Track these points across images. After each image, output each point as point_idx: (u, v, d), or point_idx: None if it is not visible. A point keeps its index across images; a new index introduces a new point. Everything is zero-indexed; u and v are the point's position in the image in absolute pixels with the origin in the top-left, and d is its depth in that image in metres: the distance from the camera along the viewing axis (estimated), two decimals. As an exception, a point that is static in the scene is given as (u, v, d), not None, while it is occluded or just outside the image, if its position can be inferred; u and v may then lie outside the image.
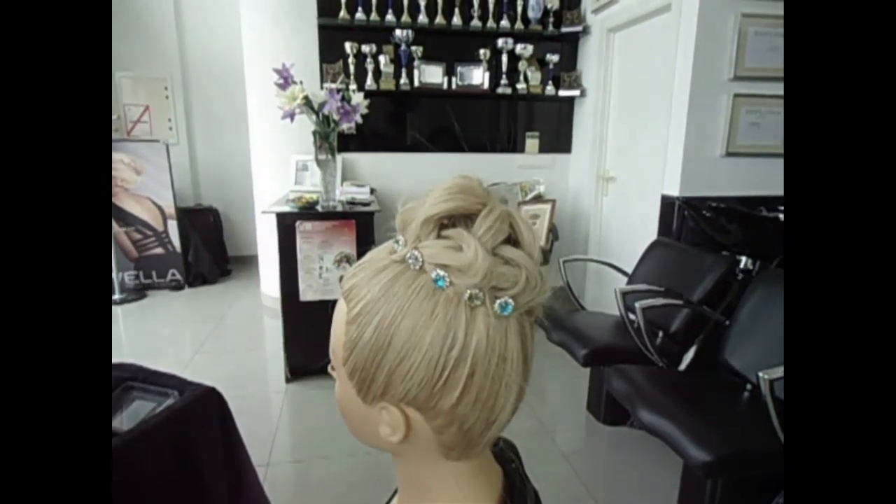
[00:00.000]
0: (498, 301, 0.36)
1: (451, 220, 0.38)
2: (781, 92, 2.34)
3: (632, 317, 1.94)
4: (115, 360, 1.31)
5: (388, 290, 0.37)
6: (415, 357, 0.36)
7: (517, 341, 0.38)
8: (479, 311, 0.36)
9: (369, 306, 0.38)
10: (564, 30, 3.40)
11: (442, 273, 0.36)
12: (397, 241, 0.39)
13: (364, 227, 2.49)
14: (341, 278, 0.42)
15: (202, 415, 1.10)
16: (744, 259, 2.14)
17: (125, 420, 1.04)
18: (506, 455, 0.49)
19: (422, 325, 0.36)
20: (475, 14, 3.30)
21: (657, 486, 1.87)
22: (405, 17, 3.23)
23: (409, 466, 0.44)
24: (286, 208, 2.47)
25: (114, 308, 3.68)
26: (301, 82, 2.28)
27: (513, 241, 0.38)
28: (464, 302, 0.36)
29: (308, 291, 2.48)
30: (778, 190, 2.42)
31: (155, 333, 3.30)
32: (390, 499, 0.56)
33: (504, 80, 3.39)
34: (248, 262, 4.59)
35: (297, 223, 2.43)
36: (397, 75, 3.29)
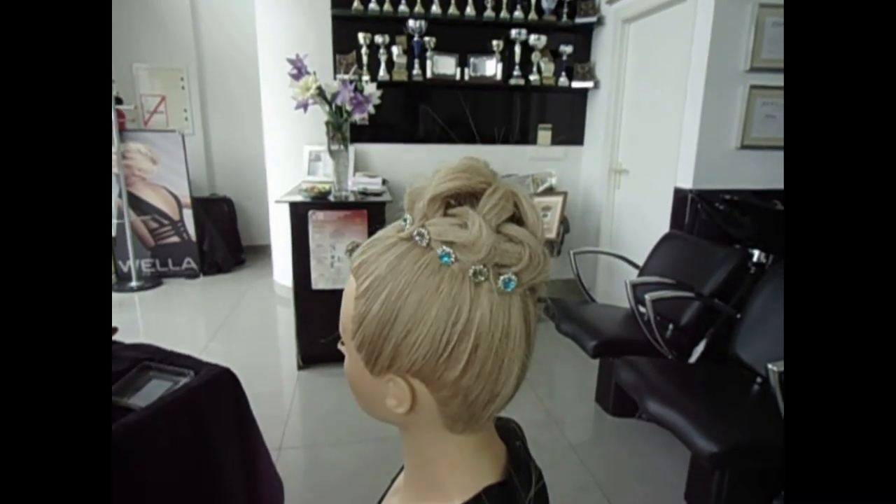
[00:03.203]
0: (501, 277, 0.38)
1: (457, 199, 0.39)
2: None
3: (642, 309, 1.94)
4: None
5: (395, 266, 0.39)
6: (420, 330, 0.37)
7: (520, 318, 0.39)
8: (483, 287, 0.37)
9: (377, 282, 0.39)
10: (579, 20, 3.37)
11: (447, 249, 0.37)
12: (405, 220, 0.41)
13: (376, 217, 2.51)
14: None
15: (217, 394, 1.13)
16: (756, 252, 2.12)
17: (141, 398, 1.07)
18: (510, 432, 0.51)
19: (427, 299, 0.37)
20: (488, 4, 3.29)
21: (665, 476, 1.87)
22: (418, 8, 3.22)
23: (414, 439, 0.46)
24: (299, 198, 2.50)
25: (131, 295, 3.75)
26: (314, 73, 2.30)
27: (517, 219, 0.39)
28: (468, 278, 0.37)
29: (320, 280, 2.51)
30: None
31: (170, 320, 3.37)
32: (396, 475, 0.57)
33: (517, 72, 3.37)
34: (261, 252, 4.65)
35: (310, 213, 2.45)
36: (410, 66, 3.29)
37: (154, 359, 1.19)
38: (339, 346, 0.46)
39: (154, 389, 1.10)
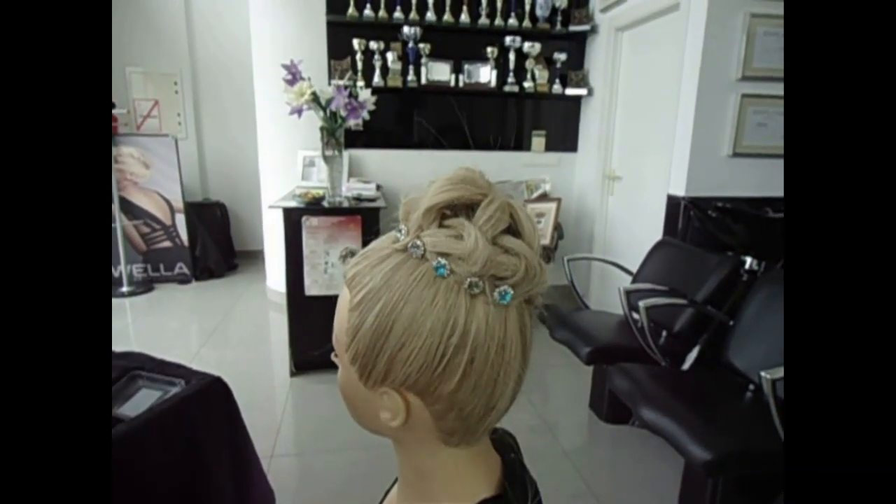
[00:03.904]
0: (497, 290, 0.37)
1: (453, 210, 0.39)
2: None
3: (635, 316, 1.95)
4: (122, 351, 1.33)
5: (389, 277, 0.38)
6: (415, 343, 0.37)
7: (516, 330, 0.39)
8: (478, 300, 0.37)
9: (371, 293, 0.39)
10: (572, 28, 3.40)
11: (443, 261, 0.37)
12: (400, 231, 0.40)
13: (370, 222, 2.51)
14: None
15: (207, 404, 1.12)
16: (749, 260, 2.14)
17: (131, 408, 1.05)
18: (505, 444, 0.50)
19: (422, 312, 0.37)
20: (483, 12, 3.31)
21: (658, 484, 1.87)
22: (413, 15, 3.23)
23: (408, 453, 0.45)
24: (293, 204, 2.49)
25: (122, 300, 3.71)
26: (309, 78, 2.30)
27: (513, 231, 0.39)
28: (464, 290, 0.37)
29: (313, 286, 2.50)
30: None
31: (162, 326, 3.33)
32: (390, 488, 0.57)
33: (511, 79, 3.39)
34: (254, 257, 4.62)
35: (304, 218, 2.44)
36: (405, 72, 3.30)
37: (144, 367, 1.18)
38: (333, 358, 0.45)
39: (144, 399, 1.09)
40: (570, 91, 3.46)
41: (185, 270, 4.13)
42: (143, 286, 3.93)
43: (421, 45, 3.24)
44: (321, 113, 2.35)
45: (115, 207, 3.78)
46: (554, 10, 3.37)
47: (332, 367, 0.45)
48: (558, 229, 3.22)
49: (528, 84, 3.41)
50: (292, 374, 2.60)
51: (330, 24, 3.22)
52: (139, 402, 1.08)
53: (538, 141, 3.62)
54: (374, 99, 2.38)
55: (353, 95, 2.32)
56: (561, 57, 3.40)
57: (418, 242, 0.38)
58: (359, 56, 3.23)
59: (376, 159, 3.47)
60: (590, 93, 3.46)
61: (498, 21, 3.33)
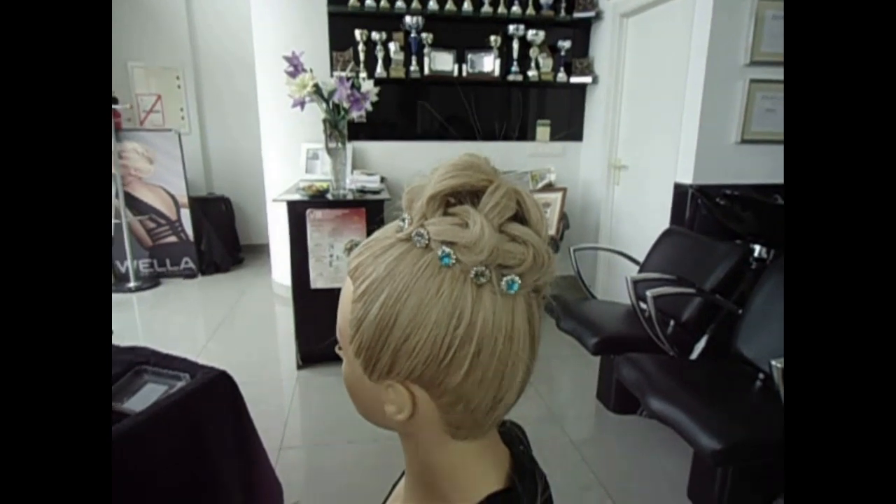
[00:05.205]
0: (504, 279, 0.36)
1: (458, 198, 0.38)
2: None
3: (643, 305, 1.93)
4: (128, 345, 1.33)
5: (393, 268, 0.37)
6: (420, 335, 0.36)
7: (524, 320, 0.38)
8: (485, 289, 0.36)
9: (375, 284, 0.37)
10: (577, 15, 3.35)
11: (448, 250, 0.35)
12: (403, 220, 0.39)
13: (374, 215, 2.50)
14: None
15: (213, 398, 1.12)
16: (757, 247, 2.11)
17: (136, 403, 1.05)
18: (513, 436, 0.49)
19: (427, 302, 0.35)
20: (486, 0, 3.27)
21: (667, 474, 1.86)
22: (415, 4, 3.20)
23: (415, 447, 0.44)
24: (297, 197, 2.48)
25: (128, 296, 3.73)
26: (311, 70, 2.28)
27: (520, 218, 0.38)
28: (470, 279, 0.35)
29: (319, 279, 2.50)
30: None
31: (169, 321, 3.35)
32: (397, 481, 0.56)
33: (515, 67, 3.35)
34: (259, 251, 4.63)
35: (308, 211, 2.43)
36: (407, 63, 3.27)
37: (149, 362, 1.18)
38: (337, 351, 0.44)
39: (149, 394, 1.09)
40: (574, 79, 3.42)
41: (191, 265, 4.14)
42: (150, 281, 3.95)
43: (423, 35, 3.21)
44: (324, 105, 2.33)
45: (121, 203, 3.79)
46: (558, -3, 3.33)
47: (339, 359, 0.44)
48: (564, 219, 3.20)
49: (532, 73, 3.37)
50: (299, 367, 2.60)
51: (331, 15, 3.20)
52: (145, 396, 1.07)
53: (543, 130, 3.59)
54: (376, 90, 2.36)
55: (355, 87, 2.30)
56: (565, 45, 3.36)
57: (422, 231, 0.36)
58: (361, 47, 3.20)
59: (380, 151, 3.45)
60: (595, 81, 3.42)
61: (501, 9, 3.28)
